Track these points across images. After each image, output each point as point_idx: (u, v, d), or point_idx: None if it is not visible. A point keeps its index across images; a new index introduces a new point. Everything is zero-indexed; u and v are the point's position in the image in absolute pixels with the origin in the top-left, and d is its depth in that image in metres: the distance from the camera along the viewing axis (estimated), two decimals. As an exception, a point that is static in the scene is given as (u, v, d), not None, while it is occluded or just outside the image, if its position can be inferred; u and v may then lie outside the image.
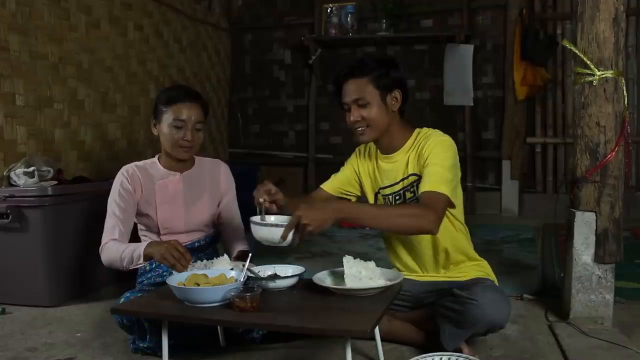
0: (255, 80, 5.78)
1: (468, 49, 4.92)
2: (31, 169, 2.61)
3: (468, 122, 5.11)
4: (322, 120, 5.62)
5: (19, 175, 2.59)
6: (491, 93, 5.21)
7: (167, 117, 2.04)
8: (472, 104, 5.04)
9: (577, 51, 2.06)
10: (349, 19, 5.25)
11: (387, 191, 1.98)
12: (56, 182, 2.69)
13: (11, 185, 2.61)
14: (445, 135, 1.89)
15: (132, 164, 2.13)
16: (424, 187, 1.74)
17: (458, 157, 1.87)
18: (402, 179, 1.93)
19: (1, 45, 2.80)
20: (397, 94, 1.89)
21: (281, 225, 1.58)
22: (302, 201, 1.88)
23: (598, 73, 2.02)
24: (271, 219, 1.72)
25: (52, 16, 3.14)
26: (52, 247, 2.52)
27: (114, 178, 2.11)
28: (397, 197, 1.96)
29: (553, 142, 5.06)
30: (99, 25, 3.56)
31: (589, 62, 2.03)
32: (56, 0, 3.17)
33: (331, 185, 2.09)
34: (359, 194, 2.11)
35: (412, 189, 1.91)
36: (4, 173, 2.66)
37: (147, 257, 1.86)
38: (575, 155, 2.12)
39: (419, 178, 1.85)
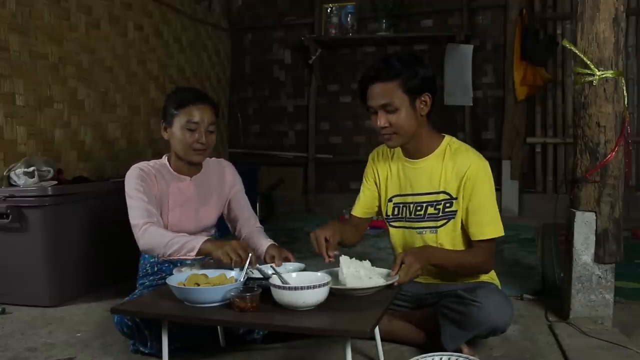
0: (255, 80, 5.78)
1: (468, 49, 4.92)
2: (31, 169, 2.61)
3: (468, 122, 5.11)
4: (322, 120, 5.62)
5: (19, 175, 2.59)
6: (491, 93, 5.21)
7: (179, 120, 1.97)
8: (472, 104, 5.04)
9: (577, 51, 2.06)
10: (349, 19, 5.25)
11: (409, 199, 1.92)
12: (56, 182, 2.69)
13: (11, 185, 2.61)
14: (483, 157, 1.88)
15: (144, 163, 2.06)
16: (480, 232, 1.84)
17: None
18: (430, 193, 1.88)
19: (1, 45, 2.80)
20: (426, 97, 1.80)
21: (322, 285, 1.47)
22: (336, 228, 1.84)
23: (598, 73, 2.01)
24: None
25: (52, 16, 3.14)
26: (52, 247, 2.52)
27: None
28: (418, 208, 1.90)
29: (553, 142, 5.06)
30: (99, 25, 3.56)
31: (589, 62, 2.03)
32: (56, 0, 3.17)
33: (359, 210, 2.07)
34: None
35: (438, 207, 1.87)
36: (4, 173, 2.66)
37: (201, 253, 1.80)
38: (575, 155, 2.12)
39: (450, 198, 1.85)
